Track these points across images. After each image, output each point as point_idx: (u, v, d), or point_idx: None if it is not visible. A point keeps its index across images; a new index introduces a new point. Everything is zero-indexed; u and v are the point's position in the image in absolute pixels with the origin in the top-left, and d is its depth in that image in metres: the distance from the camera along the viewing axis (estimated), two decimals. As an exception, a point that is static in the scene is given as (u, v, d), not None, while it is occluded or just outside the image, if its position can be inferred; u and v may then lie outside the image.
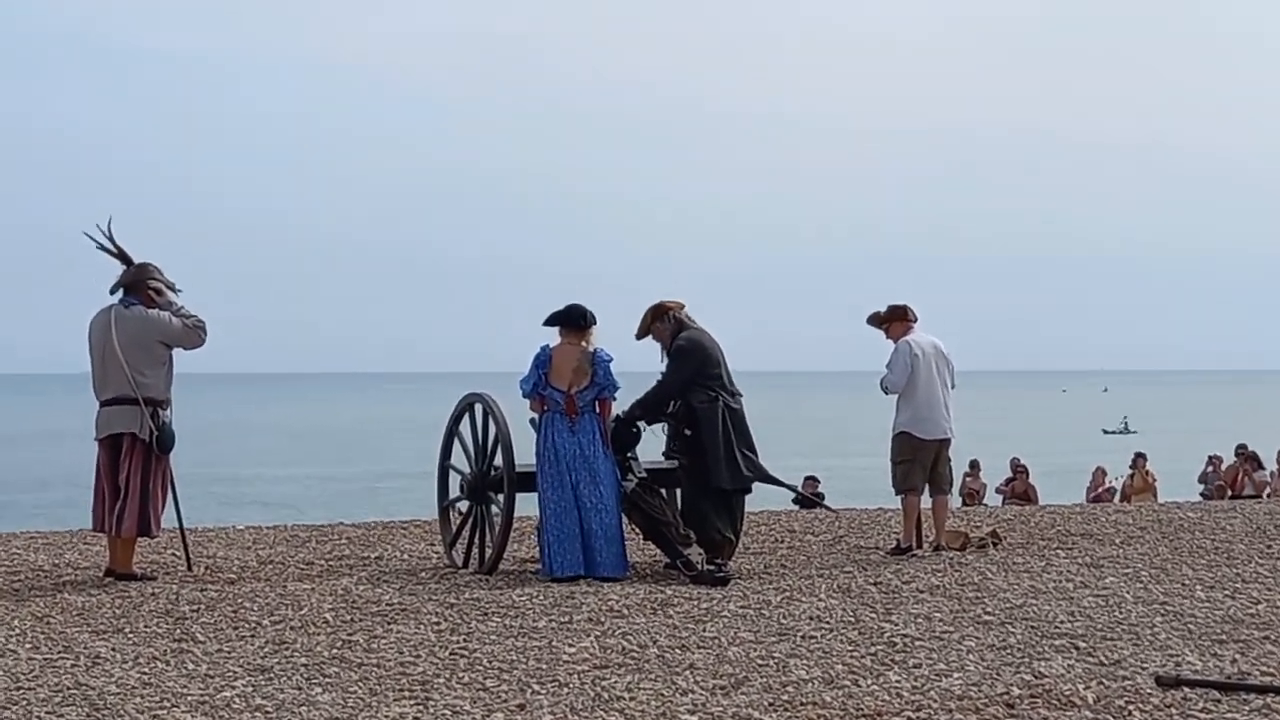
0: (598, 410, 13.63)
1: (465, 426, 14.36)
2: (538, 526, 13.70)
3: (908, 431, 15.23)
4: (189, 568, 13.81)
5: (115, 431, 13.22)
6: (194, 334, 13.45)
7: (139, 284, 13.45)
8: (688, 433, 13.62)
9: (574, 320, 13.73)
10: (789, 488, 15.84)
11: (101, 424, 13.33)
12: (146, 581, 13.10)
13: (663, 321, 13.99)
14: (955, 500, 22.69)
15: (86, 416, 13.62)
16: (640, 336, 14.12)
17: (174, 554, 14.55)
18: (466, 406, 14.33)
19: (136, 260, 13.56)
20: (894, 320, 15.48)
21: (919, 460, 15.19)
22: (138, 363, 13.23)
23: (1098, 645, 10.08)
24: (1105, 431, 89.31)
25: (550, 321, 13.77)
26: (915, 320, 15.50)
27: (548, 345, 13.70)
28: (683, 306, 14.13)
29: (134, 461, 13.20)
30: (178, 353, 13.47)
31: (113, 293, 13.52)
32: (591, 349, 13.64)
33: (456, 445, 14.54)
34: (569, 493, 13.40)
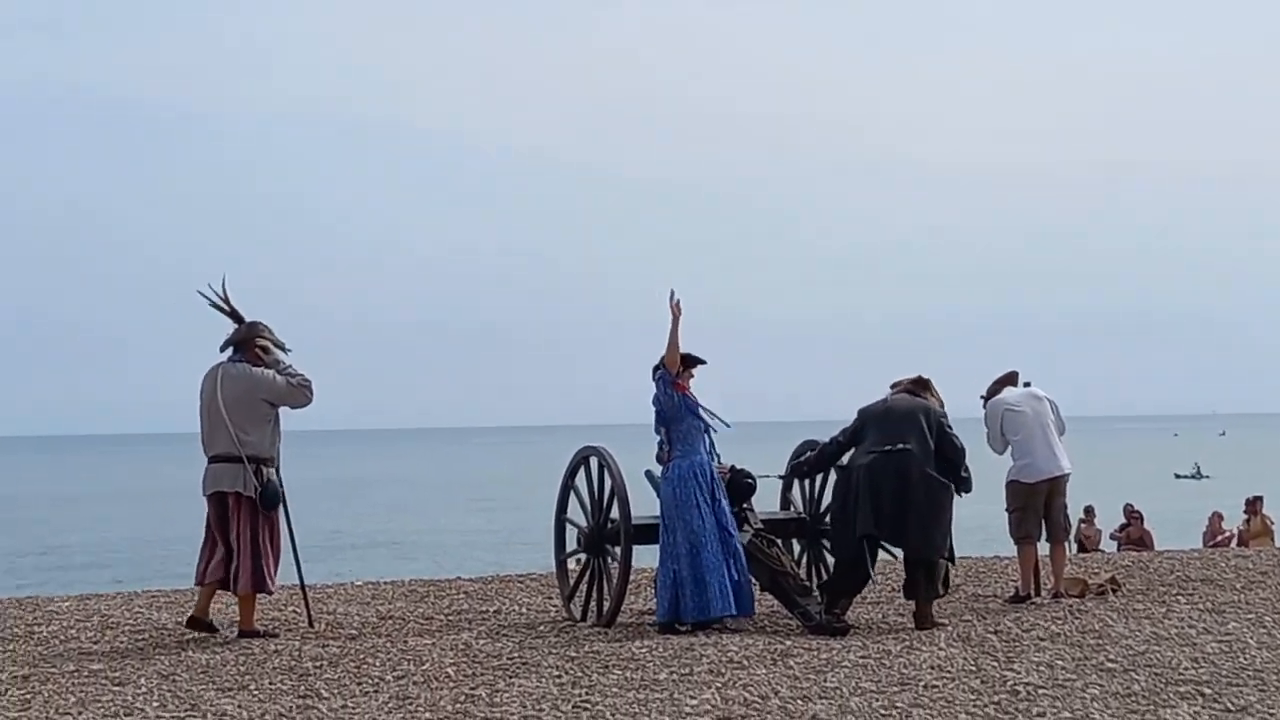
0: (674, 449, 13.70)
1: (581, 480, 14.41)
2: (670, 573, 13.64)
3: (1016, 479, 15.26)
4: (310, 624, 13.92)
5: (221, 489, 13.36)
6: (299, 393, 13.57)
7: (248, 342, 13.60)
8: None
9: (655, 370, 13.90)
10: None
11: (208, 481, 13.46)
12: (269, 638, 13.21)
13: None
14: (1072, 548, 22.57)
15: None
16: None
17: (294, 610, 14.66)
18: (582, 460, 14.38)
19: (248, 319, 13.72)
20: (1001, 387, 15.59)
21: (1031, 506, 15.18)
22: (242, 420, 13.35)
23: (1223, 691, 10.01)
24: (1177, 476, 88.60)
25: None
26: (1018, 384, 15.60)
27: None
28: (900, 383, 14.18)
29: (241, 519, 13.32)
30: (289, 411, 13.60)
31: (222, 350, 13.66)
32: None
33: (573, 498, 14.60)
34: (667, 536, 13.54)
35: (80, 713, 10.18)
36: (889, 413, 13.72)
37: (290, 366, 13.61)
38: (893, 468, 13.43)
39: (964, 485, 13.64)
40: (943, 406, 13.94)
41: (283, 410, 13.60)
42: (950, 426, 13.71)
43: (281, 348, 13.73)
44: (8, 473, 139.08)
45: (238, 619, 13.57)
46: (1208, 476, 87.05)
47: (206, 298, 13.76)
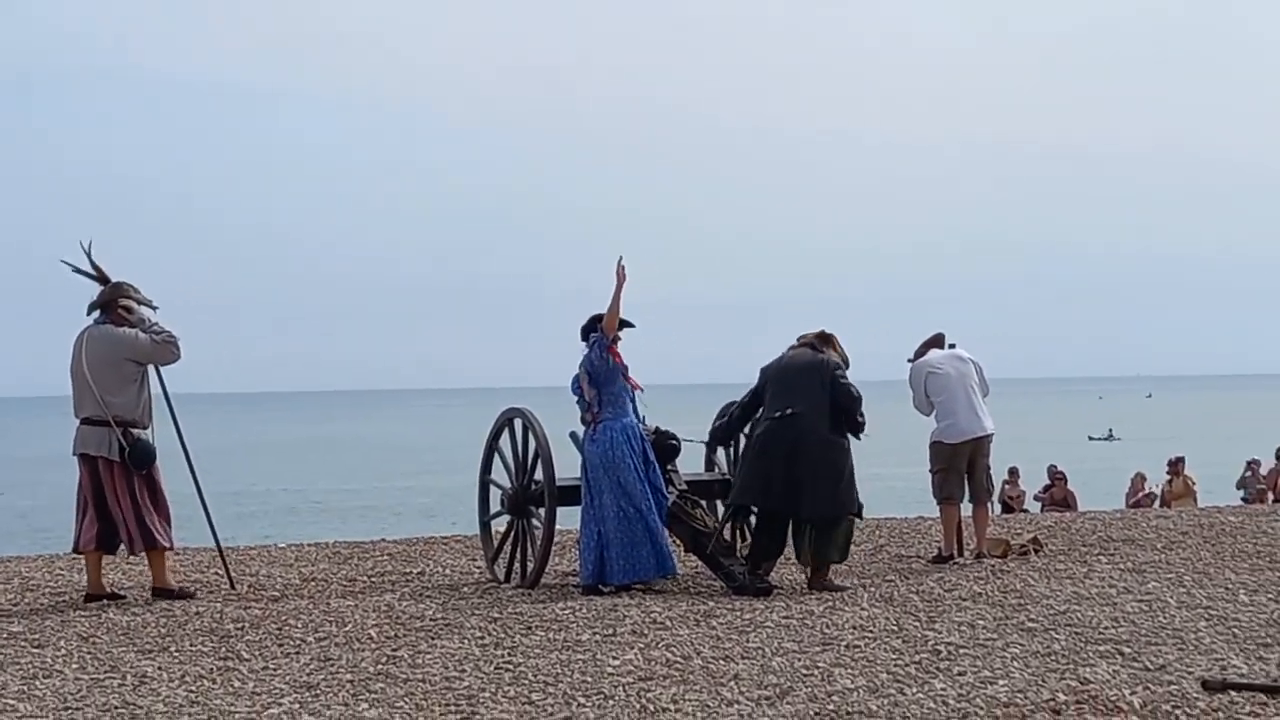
0: (622, 402, 13.75)
1: (505, 441, 14.40)
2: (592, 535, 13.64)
3: (939, 439, 15.33)
4: (231, 585, 13.85)
5: (88, 451, 13.26)
6: (165, 349, 13.42)
7: (111, 303, 13.46)
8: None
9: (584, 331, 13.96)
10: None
11: (77, 443, 13.35)
12: (187, 599, 13.15)
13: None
14: (995, 508, 22.68)
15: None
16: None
17: (215, 573, 14.59)
18: (506, 421, 14.36)
19: (114, 280, 13.60)
20: (927, 349, 15.63)
21: (954, 467, 15.24)
22: (106, 383, 13.22)
23: (1142, 650, 10.06)
24: (1091, 439, 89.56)
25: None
26: (944, 346, 15.64)
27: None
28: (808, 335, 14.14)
29: (117, 483, 13.22)
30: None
31: (89, 314, 13.54)
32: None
33: (496, 460, 14.58)
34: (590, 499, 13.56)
35: (-2, 675, 10.10)
36: (784, 371, 13.72)
37: (156, 324, 13.48)
38: (783, 435, 13.43)
39: (857, 430, 13.65)
40: (847, 362, 13.91)
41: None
42: (845, 377, 13.65)
43: (148, 305, 13.60)
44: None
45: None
46: (1119, 439, 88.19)
47: (69, 264, 13.66)
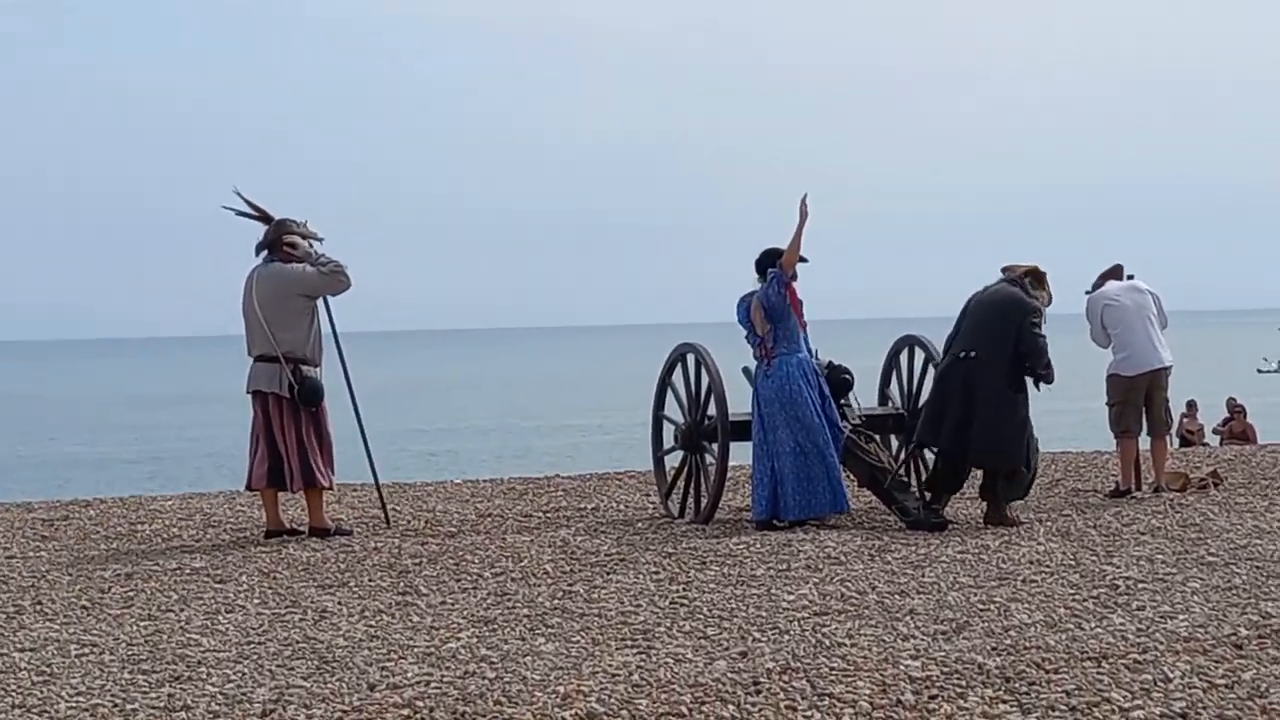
0: (800, 336, 13.66)
1: (678, 377, 14.41)
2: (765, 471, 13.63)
3: (1115, 372, 15.19)
4: (387, 523, 13.97)
5: (260, 389, 13.42)
6: (333, 279, 13.51)
7: (276, 241, 13.58)
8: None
9: (761, 261, 13.89)
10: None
11: (250, 380, 13.51)
12: (343, 535, 13.30)
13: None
14: (1173, 442, 22.40)
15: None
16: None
17: (394, 508, 14.75)
18: (679, 357, 14.37)
19: (276, 218, 13.73)
20: (1104, 281, 15.45)
21: (1131, 400, 15.08)
22: (276, 320, 13.34)
23: (1326, 585, 9.91)
24: (1260, 371, 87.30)
25: (758, 265, 13.83)
26: (1121, 278, 15.44)
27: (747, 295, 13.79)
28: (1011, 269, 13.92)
29: (285, 420, 13.36)
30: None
31: (257, 253, 13.67)
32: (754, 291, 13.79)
33: (670, 396, 14.60)
34: (762, 436, 13.50)
35: (182, 609, 10.28)
36: (979, 306, 13.56)
37: (322, 255, 13.57)
38: (959, 377, 13.35)
39: (1043, 379, 13.45)
40: (1048, 302, 13.72)
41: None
42: (1037, 326, 13.42)
43: (314, 238, 13.70)
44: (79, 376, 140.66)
45: (337, 517, 13.66)
46: None
47: (232, 209, 13.81)
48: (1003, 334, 13.32)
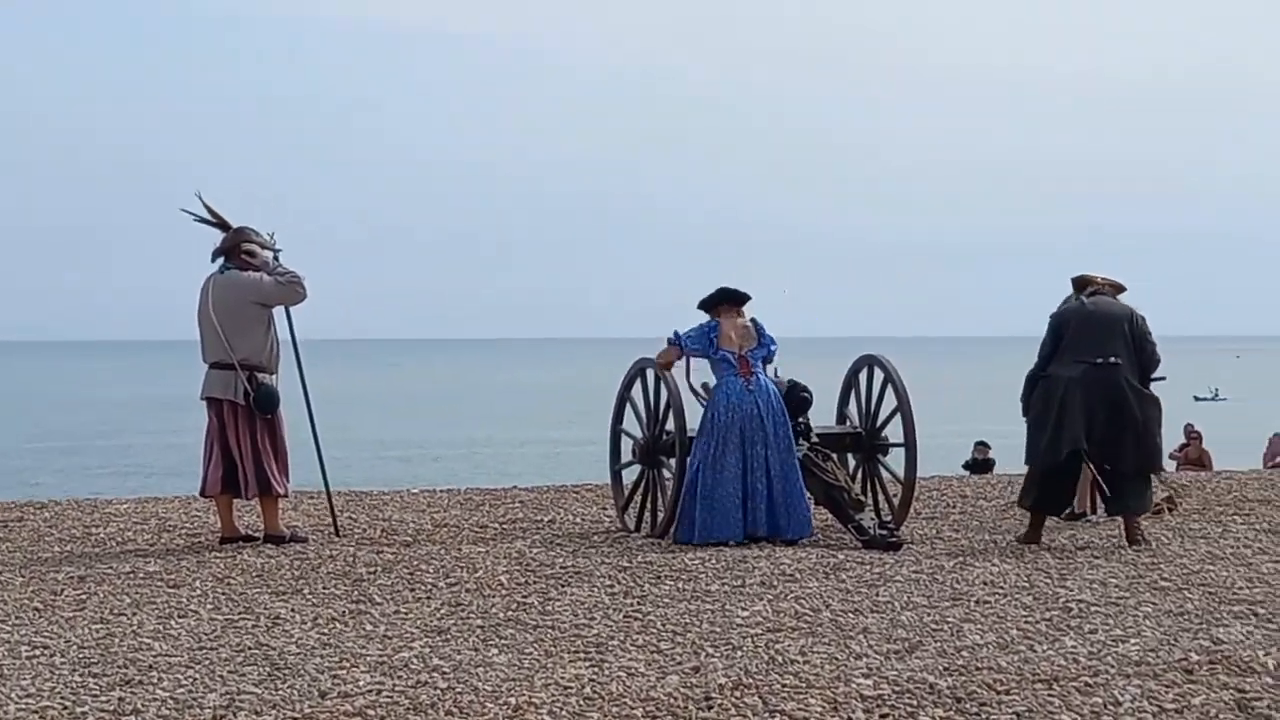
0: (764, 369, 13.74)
1: (637, 391, 14.43)
2: (686, 488, 13.62)
3: None
4: (336, 532, 13.94)
5: (214, 395, 13.40)
6: (290, 290, 13.47)
7: (234, 249, 13.57)
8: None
9: (734, 297, 13.87)
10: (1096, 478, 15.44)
11: (204, 386, 13.48)
12: (298, 542, 13.28)
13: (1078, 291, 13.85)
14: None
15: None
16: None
17: (350, 517, 14.73)
18: (638, 372, 14.39)
19: (234, 225, 13.70)
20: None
21: None
22: (232, 328, 13.32)
23: (1277, 611, 9.96)
24: (1196, 399, 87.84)
25: (707, 303, 13.89)
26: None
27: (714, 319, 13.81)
28: (1089, 280, 13.86)
29: (240, 427, 13.32)
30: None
31: (213, 260, 13.65)
32: (750, 317, 13.79)
33: (628, 410, 14.62)
34: (734, 455, 13.44)
35: (135, 614, 10.25)
36: (1092, 317, 13.44)
37: (279, 266, 13.55)
38: (1104, 383, 13.20)
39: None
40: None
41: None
42: (1152, 336, 13.51)
43: (270, 248, 13.69)
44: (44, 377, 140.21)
45: (291, 524, 13.64)
46: (1225, 399, 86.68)
47: (191, 213, 13.77)
48: (1128, 341, 13.33)
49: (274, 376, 13.51)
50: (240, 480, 13.32)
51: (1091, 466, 13.32)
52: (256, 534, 13.58)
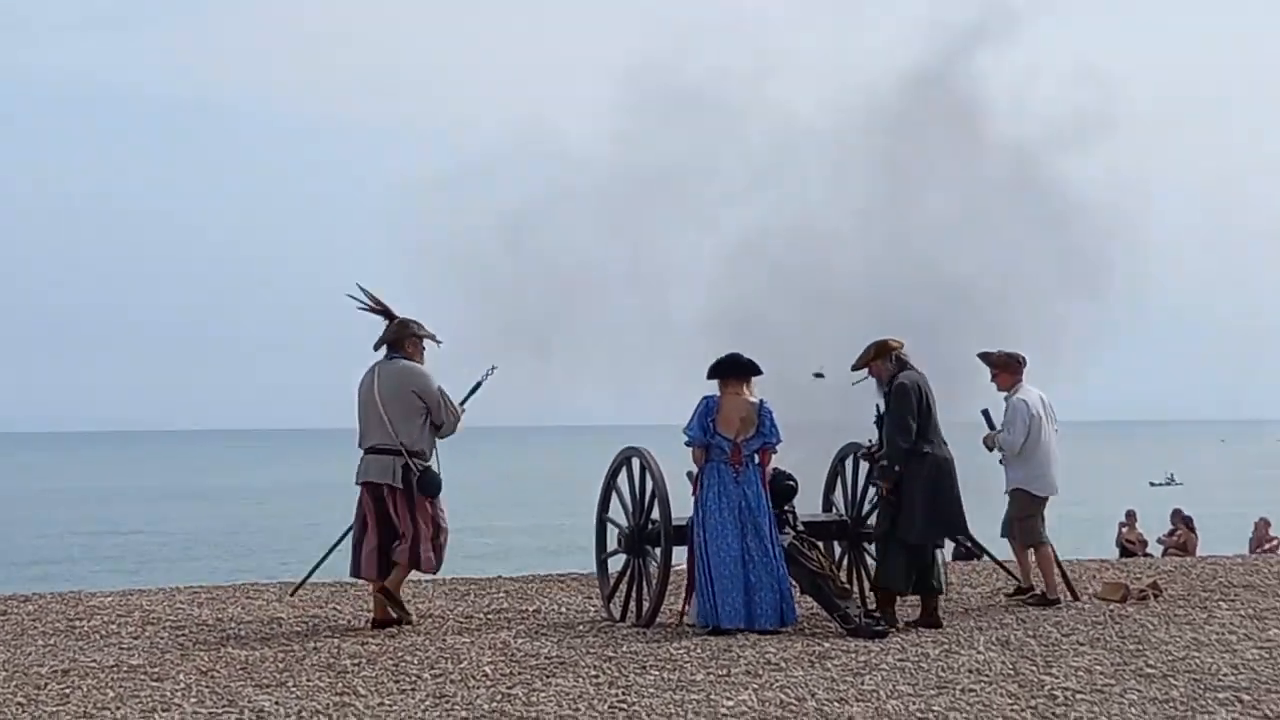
0: (759, 461, 13.65)
1: (623, 480, 14.41)
2: (691, 575, 13.64)
3: (1024, 489, 15.07)
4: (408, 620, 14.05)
5: (372, 479, 13.76)
6: (454, 426, 13.99)
7: (399, 339, 13.93)
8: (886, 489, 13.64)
9: (741, 369, 13.75)
10: (979, 549, 15.85)
11: (361, 470, 13.85)
12: (404, 625, 13.60)
13: (885, 359, 13.89)
14: (1113, 552, 22.47)
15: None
16: (856, 368, 14.05)
17: (335, 607, 14.69)
18: (624, 460, 14.37)
19: (399, 316, 14.07)
20: (1007, 370, 15.29)
21: (1038, 513, 15.10)
22: (397, 414, 13.73)
23: (1262, 698, 9.96)
24: (1152, 484, 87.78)
25: (715, 372, 13.78)
26: (1023, 369, 15.31)
27: (713, 396, 13.70)
28: (902, 345, 13.99)
29: (400, 510, 13.71)
30: None
31: (376, 348, 14.05)
32: (756, 399, 13.66)
33: (614, 499, 14.59)
34: (736, 542, 13.41)
35: (118, 708, 10.22)
36: (925, 394, 13.73)
37: (452, 403, 13.98)
38: (948, 467, 13.67)
39: None
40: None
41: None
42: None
43: (433, 339, 14.12)
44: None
45: (276, 616, 13.62)
46: (1180, 484, 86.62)
47: (355, 299, 14.18)
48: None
49: (432, 461, 13.90)
50: (400, 555, 13.70)
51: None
52: (408, 617, 13.82)
